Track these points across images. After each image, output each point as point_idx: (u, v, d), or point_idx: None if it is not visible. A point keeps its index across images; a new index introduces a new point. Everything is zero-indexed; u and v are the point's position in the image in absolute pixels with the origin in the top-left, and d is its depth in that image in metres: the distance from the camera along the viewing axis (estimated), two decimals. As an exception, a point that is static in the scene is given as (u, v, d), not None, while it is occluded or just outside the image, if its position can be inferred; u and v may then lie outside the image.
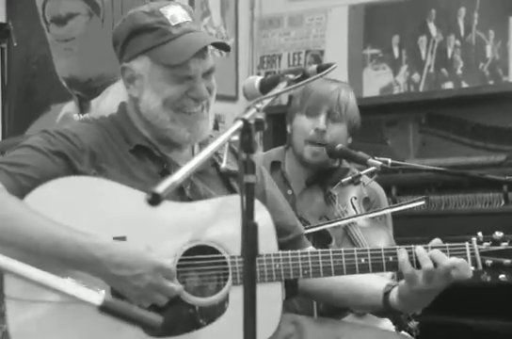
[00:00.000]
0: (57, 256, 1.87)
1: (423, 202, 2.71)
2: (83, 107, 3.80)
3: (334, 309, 2.67)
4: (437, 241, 2.10)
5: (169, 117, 2.04)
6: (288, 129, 2.81)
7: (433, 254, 2.04)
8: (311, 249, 2.22)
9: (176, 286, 1.91)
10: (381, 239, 2.66)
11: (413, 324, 2.54)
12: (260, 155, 2.75)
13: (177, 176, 1.34)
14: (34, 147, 1.99)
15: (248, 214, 1.49)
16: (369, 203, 2.75)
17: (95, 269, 1.87)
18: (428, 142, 4.06)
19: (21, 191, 1.93)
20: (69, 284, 1.15)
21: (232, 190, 2.12)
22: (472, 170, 3.50)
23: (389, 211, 2.71)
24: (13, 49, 3.58)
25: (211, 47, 2.08)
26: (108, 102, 3.71)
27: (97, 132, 2.06)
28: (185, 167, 1.39)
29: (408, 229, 3.34)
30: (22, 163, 1.96)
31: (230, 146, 2.03)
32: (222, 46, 2.09)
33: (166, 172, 2.05)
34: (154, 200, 1.30)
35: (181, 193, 2.06)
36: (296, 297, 2.22)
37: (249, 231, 1.49)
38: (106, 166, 2.01)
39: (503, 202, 3.63)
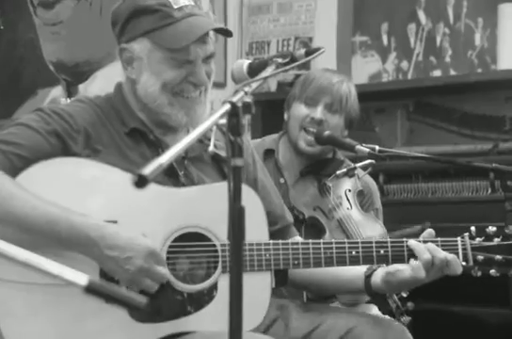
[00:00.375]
0: (52, 235, 1.86)
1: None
2: (70, 92, 3.77)
3: (322, 296, 2.69)
4: (429, 231, 2.11)
5: (167, 100, 2.03)
6: (285, 116, 2.80)
7: (429, 247, 2.05)
8: (298, 238, 2.21)
9: (166, 272, 1.90)
10: (376, 233, 2.67)
11: (406, 319, 2.55)
12: (254, 143, 2.76)
13: (164, 158, 1.33)
14: (29, 126, 1.98)
15: (234, 197, 1.49)
16: (363, 196, 2.75)
17: (88, 249, 1.86)
18: (416, 130, 4.06)
19: (13, 170, 1.91)
20: (54, 265, 1.14)
21: (224, 176, 2.11)
22: (460, 158, 3.51)
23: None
24: (0, 32, 3.56)
25: (211, 32, 2.06)
26: (96, 86, 3.69)
27: (92, 113, 2.05)
28: (173, 149, 1.39)
29: (396, 217, 3.35)
30: (16, 142, 1.95)
31: (220, 129, 2.02)
32: (224, 31, 2.06)
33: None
34: (141, 181, 1.29)
35: (175, 179, 2.05)
36: (285, 286, 2.22)
37: (236, 214, 1.49)
38: (101, 147, 2.00)
39: (489, 190, 3.64)
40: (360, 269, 2.13)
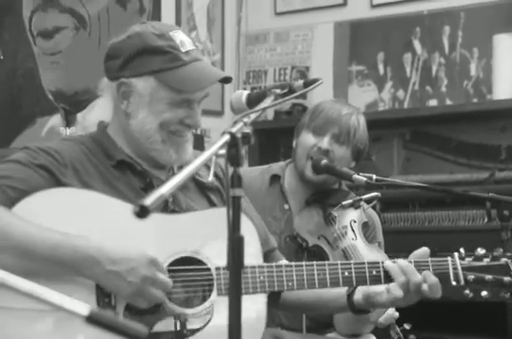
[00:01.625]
0: (54, 259, 1.88)
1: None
2: (69, 121, 3.79)
3: (321, 324, 2.69)
4: (424, 250, 2.13)
5: (161, 138, 2.07)
6: (293, 144, 2.82)
7: (405, 269, 2.06)
8: (284, 262, 2.23)
9: (170, 280, 1.93)
10: None
11: None
12: (260, 168, 2.79)
13: (165, 189, 1.35)
14: (18, 161, 2.02)
15: (234, 227, 1.50)
16: (367, 228, 2.76)
17: (92, 269, 1.88)
18: (412, 159, 4.08)
19: (9, 202, 1.94)
20: (56, 295, 1.15)
21: (211, 202, 2.16)
22: (456, 187, 3.52)
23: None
24: (-1, 62, 3.59)
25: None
26: (94, 115, 3.71)
27: (77, 149, 2.09)
28: (173, 180, 1.40)
29: (392, 245, 3.35)
30: (7, 175, 1.98)
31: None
32: (225, 79, 2.11)
33: (149, 186, 2.07)
34: (142, 212, 1.30)
35: (164, 205, 2.07)
36: (275, 307, 2.23)
37: (235, 244, 1.50)
38: (90, 180, 2.03)
39: (486, 220, 3.65)
40: (342, 289, 2.15)
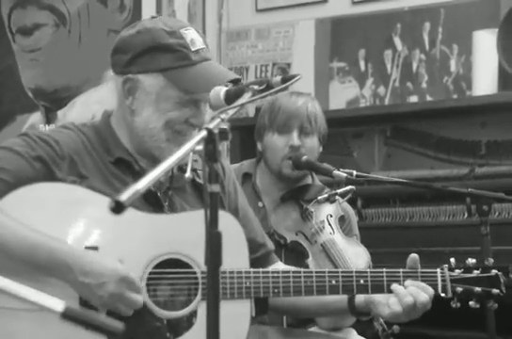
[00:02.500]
0: (31, 261, 1.88)
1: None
2: (49, 118, 3.78)
3: (302, 320, 2.69)
4: (413, 257, 2.12)
5: (166, 137, 2.05)
6: (259, 147, 2.81)
7: (411, 291, 2.06)
8: (280, 264, 2.23)
9: (140, 298, 1.90)
10: (359, 257, 2.68)
11: None
12: (232, 167, 2.78)
13: (140, 185, 1.35)
14: (14, 150, 1.98)
15: (211, 223, 1.50)
16: (343, 222, 2.77)
17: (65, 275, 1.87)
18: (393, 155, 4.09)
19: None
20: (31, 291, 1.15)
21: None
22: (436, 183, 3.54)
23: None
24: (-21, 59, 3.57)
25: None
26: (75, 112, 3.70)
27: (77, 140, 2.06)
28: (149, 175, 1.40)
29: (374, 241, 3.36)
30: (0, 166, 1.95)
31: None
32: (233, 81, 2.09)
33: None
34: (117, 208, 1.30)
35: (159, 209, 2.06)
36: (266, 314, 2.22)
37: (213, 240, 1.50)
38: (87, 173, 2.01)
39: (466, 215, 3.67)
40: None
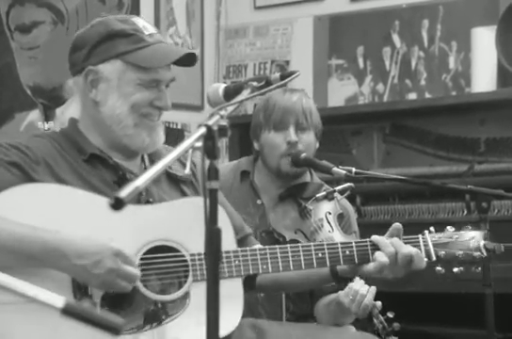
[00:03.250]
0: (23, 252, 1.89)
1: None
2: (48, 116, 3.78)
3: (301, 316, 2.69)
4: (396, 225, 2.19)
5: (133, 122, 2.08)
6: (255, 146, 2.80)
7: (393, 241, 2.11)
8: (259, 246, 2.24)
9: (137, 271, 1.93)
10: None
11: None
12: (231, 164, 2.79)
13: (140, 181, 1.35)
14: None
15: (211, 219, 1.50)
16: (342, 219, 2.77)
17: (60, 263, 1.89)
18: (392, 152, 4.09)
19: None
20: (30, 287, 1.15)
21: (184, 195, 2.18)
22: (435, 180, 3.53)
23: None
24: (-23, 57, 3.57)
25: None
26: (73, 110, 3.69)
27: (48, 144, 2.09)
28: (148, 172, 1.40)
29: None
30: None
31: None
32: (191, 58, 2.12)
33: (122, 179, 2.08)
34: (117, 204, 1.31)
35: (137, 197, 2.08)
36: (253, 290, 2.24)
37: (213, 236, 1.50)
38: (64, 175, 2.04)
39: (465, 212, 3.67)
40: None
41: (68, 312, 1.14)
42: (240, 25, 4.71)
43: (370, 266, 2.11)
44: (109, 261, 1.90)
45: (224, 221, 2.06)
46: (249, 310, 2.12)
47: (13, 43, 3.73)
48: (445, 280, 3.40)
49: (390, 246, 2.10)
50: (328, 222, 2.72)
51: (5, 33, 3.71)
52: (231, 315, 1.99)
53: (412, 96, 4.25)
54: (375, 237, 2.13)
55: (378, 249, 2.12)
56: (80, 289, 1.94)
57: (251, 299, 2.54)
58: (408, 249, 2.10)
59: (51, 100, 3.80)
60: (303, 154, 2.70)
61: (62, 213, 1.97)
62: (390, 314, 2.57)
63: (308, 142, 2.73)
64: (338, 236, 2.69)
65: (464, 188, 2.66)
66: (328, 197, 2.74)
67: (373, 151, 4.13)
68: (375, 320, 2.59)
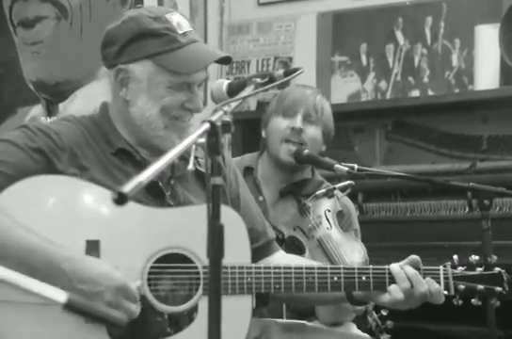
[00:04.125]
0: (26, 263, 1.85)
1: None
2: (50, 111, 3.78)
3: (302, 314, 2.69)
4: (413, 258, 2.11)
5: (164, 124, 2.04)
6: (263, 134, 2.81)
7: (411, 277, 2.05)
8: (281, 253, 2.23)
9: (136, 308, 1.89)
10: (355, 252, 2.68)
11: (385, 337, 2.56)
12: (234, 160, 2.78)
13: (143, 176, 1.34)
14: (13, 142, 1.97)
15: (213, 215, 1.50)
16: (342, 217, 2.76)
17: (61, 280, 1.85)
18: (394, 149, 4.09)
19: None
20: (33, 282, 1.15)
21: None
22: (438, 177, 3.53)
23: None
24: (-20, 52, 3.57)
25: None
26: (76, 105, 3.70)
27: (77, 132, 2.05)
28: (152, 167, 1.40)
29: (374, 235, 3.36)
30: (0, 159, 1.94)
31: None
32: (224, 59, 2.08)
33: None
34: (120, 199, 1.30)
35: (161, 199, 2.05)
36: (266, 306, 2.22)
37: (215, 233, 1.50)
38: (89, 165, 2.00)
39: (467, 209, 3.67)
40: None
41: (70, 306, 1.14)
42: (243, 22, 4.71)
43: (385, 298, 2.07)
44: (110, 294, 1.86)
45: (241, 233, 2.01)
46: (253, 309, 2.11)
47: (16, 38, 3.73)
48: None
49: (406, 281, 2.04)
50: (327, 220, 2.72)
51: (8, 28, 3.71)
52: (236, 332, 1.96)
53: (415, 93, 4.24)
54: (393, 268, 2.07)
55: None
56: None
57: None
58: (425, 287, 2.04)
59: (54, 95, 3.80)
60: (306, 151, 2.70)
61: (77, 210, 1.94)
62: (383, 312, 2.56)
63: (313, 136, 2.73)
64: (335, 234, 2.69)
65: (466, 186, 2.66)
66: (328, 194, 2.74)
67: (375, 148, 4.13)
68: (368, 318, 2.58)
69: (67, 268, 1.85)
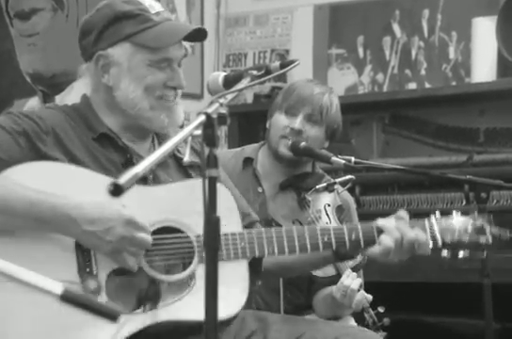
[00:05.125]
0: (33, 216, 1.89)
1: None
2: (47, 103, 3.77)
3: (299, 306, 2.70)
4: (399, 213, 2.17)
5: (149, 105, 2.06)
6: (267, 124, 2.82)
7: (398, 225, 2.10)
8: (265, 229, 2.24)
9: (149, 238, 1.93)
10: None
11: (381, 334, 2.57)
12: (234, 151, 2.79)
13: (139, 168, 1.35)
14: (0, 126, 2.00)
15: (210, 207, 1.50)
16: (341, 212, 2.76)
17: (69, 229, 1.90)
18: (391, 142, 4.09)
19: None
20: (29, 274, 1.15)
21: (189, 178, 2.16)
22: (434, 170, 3.53)
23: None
24: (-24, 44, 3.56)
25: (187, 44, 2.14)
26: (73, 97, 3.68)
27: (61, 117, 2.08)
28: (148, 159, 1.40)
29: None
30: None
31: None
32: (201, 34, 2.10)
33: (129, 162, 2.07)
34: (116, 190, 1.30)
35: (144, 182, 2.07)
36: (257, 274, 2.23)
37: (211, 224, 1.50)
38: (73, 148, 2.03)
39: (464, 202, 3.67)
40: None
41: (66, 298, 1.14)
42: (240, 14, 4.70)
43: (375, 250, 2.10)
44: (121, 228, 1.90)
45: (230, 203, 2.07)
46: (247, 300, 2.11)
47: (12, 30, 3.72)
48: (443, 270, 3.42)
49: (395, 230, 2.09)
50: (327, 214, 2.71)
51: (4, 20, 3.70)
52: (236, 296, 2.00)
53: (412, 86, 4.24)
54: (381, 222, 2.12)
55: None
56: (85, 268, 1.93)
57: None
58: (414, 233, 2.09)
59: (50, 87, 3.79)
60: (302, 143, 2.70)
61: (66, 192, 1.95)
62: (380, 309, 2.57)
63: (314, 136, 2.72)
64: None
65: (463, 178, 2.66)
66: (329, 189, 2.73)
67: (372, 141, 4.13)
68: (365, 314, 2.59)
69: (74, 215, 1.89)
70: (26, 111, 2.07)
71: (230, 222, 2.03)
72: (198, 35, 2.08)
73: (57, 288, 1.14)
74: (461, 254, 2.16)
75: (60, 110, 2.11)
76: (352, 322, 2.69)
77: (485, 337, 2.62)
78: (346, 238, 2.10)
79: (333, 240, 2.09)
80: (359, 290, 2.48)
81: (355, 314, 2.65)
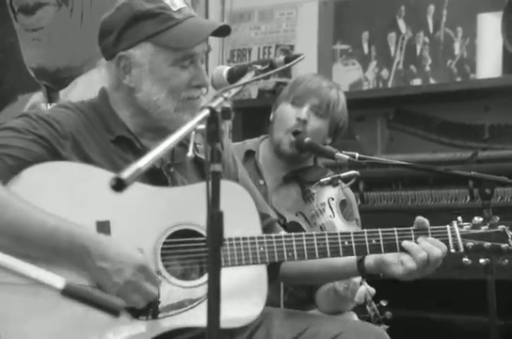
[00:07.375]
0: (49, 244, 1.87)
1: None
2: (51, 98, 3.77)
3: (300, 299, 2.69)
4: (419, 219, 2.15)
5: (174, 107, 2.02)
6: (270, 117, 2.81)
7: (423, 246, 2.07)
8: (284, 233, 2.23)
9: (155, 291, 1.90)
10: None
11: (383, 327, 2.57)
12: (235, 145, 2.77)
13: (142, 162, 1.34)
14: (16, 129, 1.97)
15: (213, 203, 1.49)
16: (344, 206, 2.76)
17: (84, 260, 1.87)
18: (396, 138, 4.08)
19: (8, 170, 1.91)
20: (31, 268, 1.14)
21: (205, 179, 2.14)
22: (439, 166, 3.52)
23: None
24: (-20, 38, 3.56)
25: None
26: (77, 92, 3.69)
27: (77, 119, 2.04)
28: (151, 153, 1.39)
29: (375, 224, 3.35)
30: (5, 144, 1.94)
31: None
32: (224, 30, 2.05)
33: None
34: (119, 185, 1.30)
35: (164, 184, 2.05)
36: (275, 279, 2.23)
37: (214, 220, 1.49)
38: (90, 153, 2.00)
39: (468, 198, 3.66)
40: (352, 257, 2.15)
41: (68, 292, 1.14)
42: (245, 9, 4.69)
43: (398, 270, 2.08)
44: (131, 273, 1.87)
45: (249, 206, 2.04)
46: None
47: (17, 25, 3.72)
48: (447, 266, 3.41)
49: (422, 251, 2.06)
50: (330, 208, 2.71)
51: (8, 14, 3.70)
52: (256, 301, 1.99)
53: (417, 82, 4.23)
54: (405, 244, 2.08)
55: (405, 238, 2.09)
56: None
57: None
58: (439, 251, 2.06)
59: (54, 82, 3.79)
60: (307, 139, 2.69)
61: (85, 193, 1.94)
62: (383, 303, 2.57)
63: (317, 129, 2.71)
64: (338, 222, 2.69)
65: (467, 175, 2.66)
66: (333, 183, 2.73)
67: (376, 137, 4.12)
68: (367, 307, 2.58)
69: (90, 247, 1.86)
70: (43, 114, 2.02)
71: (249, 226, 2.01)
72: (219, 30, 2.03)
73: (59, 282, 1.14)
74: (483, 260, 2.15)
75: (77, 110, 2.06)
76: (354, 317, 2.69)
77: (488, 334, 2.61)
78: (367, 243, 2.07)
79: (353, 244, 2.07)
80: (361, 283, 2.47)
81: (357, 307, 2.64)
